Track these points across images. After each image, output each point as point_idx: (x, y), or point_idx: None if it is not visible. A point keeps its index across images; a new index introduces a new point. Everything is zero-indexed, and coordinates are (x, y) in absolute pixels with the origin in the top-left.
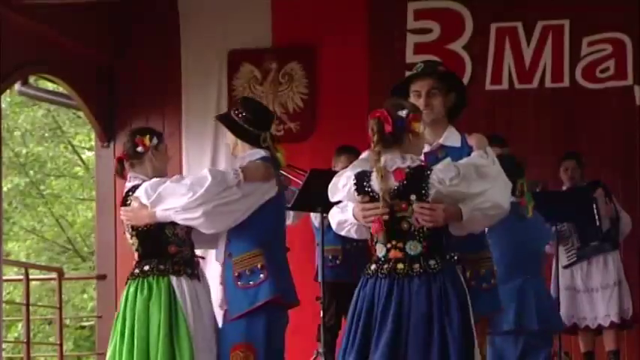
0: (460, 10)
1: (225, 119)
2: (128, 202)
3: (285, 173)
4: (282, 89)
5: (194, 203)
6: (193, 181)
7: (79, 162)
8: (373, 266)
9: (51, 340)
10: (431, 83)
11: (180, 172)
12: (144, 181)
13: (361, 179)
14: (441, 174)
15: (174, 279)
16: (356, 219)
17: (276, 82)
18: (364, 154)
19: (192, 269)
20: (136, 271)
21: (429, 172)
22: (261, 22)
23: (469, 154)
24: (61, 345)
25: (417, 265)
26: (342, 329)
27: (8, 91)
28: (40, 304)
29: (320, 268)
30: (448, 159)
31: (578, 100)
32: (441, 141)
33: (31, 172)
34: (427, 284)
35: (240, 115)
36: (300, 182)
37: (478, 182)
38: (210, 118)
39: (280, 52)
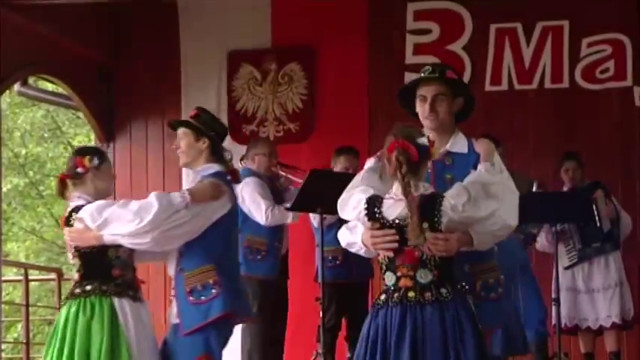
0: (460, 10)
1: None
2: (71, 223)
3: (284, 174)
4: (282, 90)
5: (141, 230)
6: (140, 207)
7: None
8: (383, 296)
9: None
10: (438, 89)
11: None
12: (87, 201)
13: (372, 205)
14: (453, 200)
15: (116, 300)
16: (364, 244)
17: (275, 82)
18: (370, 163)
19: (134, 292)
20: (77, 290)
21: (441, 199)
22: (261, 23)
23: (477, 161)
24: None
25: (428, 294)
26: (341, 330)
27: (8, 91)
28: (39, 304)
29: (320, 269)
30: (458, 184)
31: (578, 100)
32: (447, 147)
33: (31, 173)
34: (440, 311)
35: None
36: (300, 182)
37: (487, 203)
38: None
39: (280, 52)
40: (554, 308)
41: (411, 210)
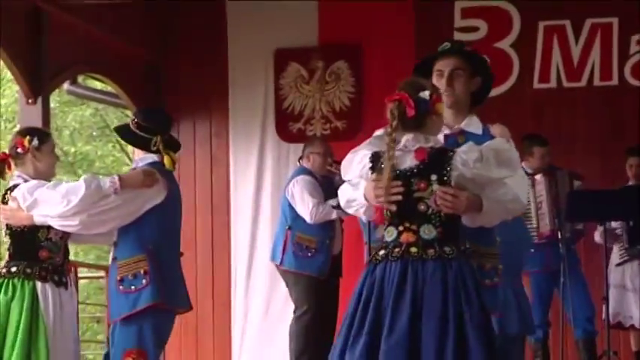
0: (508, 8)
1: (119, 128)
2: (6, 200)
3: (338, 172)
4: (329, 88)
5: (69, 212)
6: (68, 190)
7: (127, 160)
8: (382, 251)
9: (99, 337)
10: (455, 63)
11: (228, 172)
12: (25, 181)
13: (377, 158)
14: (465, 156)
15: (39, 284)
16: (366, 199)
17: (322, 80)
18: (379, 132)
19: (60, 276)
20: (3, 270)
21: (452, 154)
22: (308, 21)
23: None
24: (109, 342)
25: (431, 250)
26: None
27: (57, 90)
28: (88, 302)
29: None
30: (471, 142)
31: (627, 98)
32: (462, 125)
33: (80, 171)
34: (442, 269)
35: (133, 122)
36: None
37: (500, 168)
38: (257, 118)
39: (327, 50)
40: (604, 306)
41: (385, 166)
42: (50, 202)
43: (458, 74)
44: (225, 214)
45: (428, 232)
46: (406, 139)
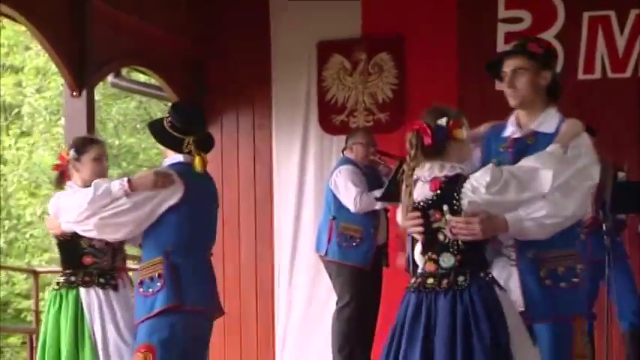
0: None
1: (152, 125)
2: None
3: (383, 162)
4: (372, 80)
5: (82, 216)
6: (81, 195)
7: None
8: (413, 279)
9: None
10: (516, 62)
11: (271, 164)
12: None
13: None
14: (476, 182)
15: (82, 291)
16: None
17: (365, 72)
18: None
19: (107, 279)
20: (55, 282)
21: (463, 180)
22: (351, 13)
23: None
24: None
25: (445, 281)
26: None
27: (101, 83)
28: None
29: (410, 259)
30: (490, 164)
31: None
32: (533, 127)
33: (124, 164)
34: (452, 301)
35: (167, 120)
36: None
37: (522, 190)
38: (300, 110)
39: (370, 42)
40: None
41: (403, 199)
42: (68, 209)
43: (520, 73)
44: (268, 205)
45: (447, 260)
46: (425, 168)
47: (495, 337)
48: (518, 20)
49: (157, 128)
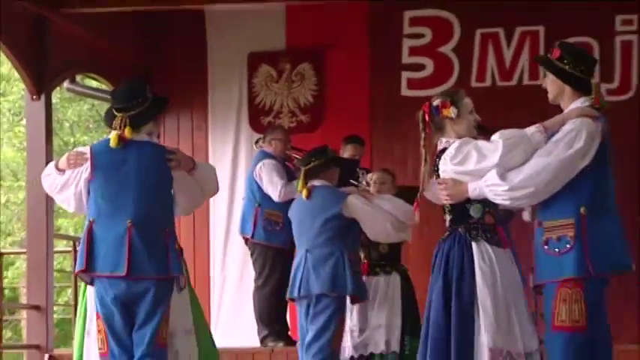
0: (449, 17)
1: (106, 113)
2: None
3: (297, 156)
4: (295, 86)
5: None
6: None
7: None
8: None
9: None
10: (544, 70)
11: (207, 159)
12: None
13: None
14: (446, 155)
15: None
16: None
17: (289, 80)
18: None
19: None
20: None
21: (442, 154)
22: (277, 29)
23: None
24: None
25: (446, 233)
26: None
27: (58, 88)
28: None
29: None
30: (463, 139)
31: None
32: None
33: None
34: (437, 250)
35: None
36: None
37: (486, 158)
38: (233, 112)
39: (293, 54)
40: (530, 275)
41: (424, 169)
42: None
43: (546, 77)
44: None
45: (446, 218)
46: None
47: (458, 290)
48: (421, 35)
49: (107, 110)
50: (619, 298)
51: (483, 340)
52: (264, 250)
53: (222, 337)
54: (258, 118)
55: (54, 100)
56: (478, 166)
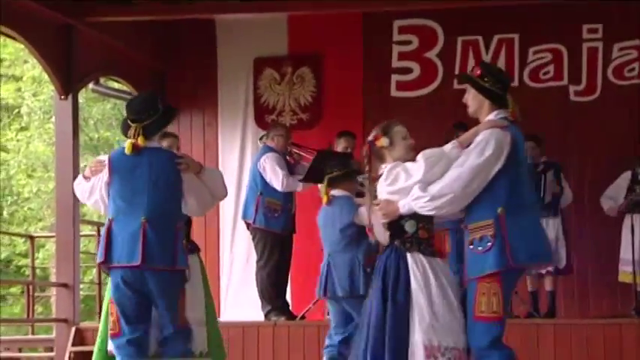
0: (434, 26)
1: (122, 123)
2: None
3: (297, 151)
4: (296, 88)
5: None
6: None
7: None
8: None
9: None
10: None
11: (217, 153)
12: None
13: None
14: (381, 178)
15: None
16: None
17: (290, 82)
18: None
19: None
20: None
21: (381, 177)
22: (279, 37)
23: None
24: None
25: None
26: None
27: (84, 88)
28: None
29: None
30: (395, 162)
31: (526, 96)
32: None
33: (102, 153)
34: (379, 263)
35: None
36: (309, 158)
37: (407, 177)
38: (240, 111)
39: (294, 59)
40: None
41: (369, 190)
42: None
43: (467, 91)
44: None
45: (386, 235)
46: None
47: (394, 293)
48: (408, 42)
49: (123, 120)
50: None
51: (417, 338)
52: (264, 235)
53: (231, 313)
54: (263, 116)
55: (80, 100)
56: (406, 184)
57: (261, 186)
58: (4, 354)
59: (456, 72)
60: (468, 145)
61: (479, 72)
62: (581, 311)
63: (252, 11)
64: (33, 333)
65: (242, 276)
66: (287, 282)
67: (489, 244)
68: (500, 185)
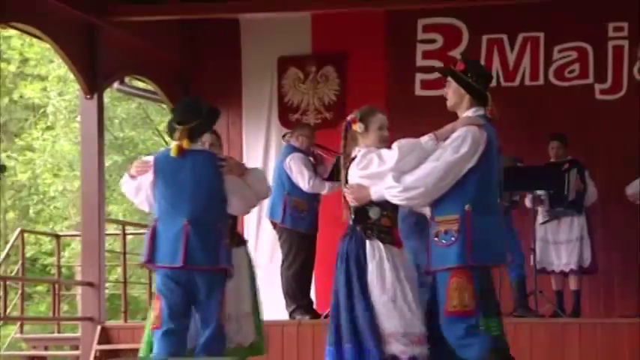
0: (459, 24)
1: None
2: None
3: (320, 152)
4: (320, 87)
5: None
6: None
7: (163, 143)
8: None
9: (142, 280)
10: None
11: (241, 151)
12: None
13: None
14: (355, 161)
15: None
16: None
17: (315, 81)
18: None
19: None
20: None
21: (353, 160)
22: (303, 35)
23: None
24: (150, 284)
25: (348, 232)
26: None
27: (109, 88)
28: (134, 252)
29: None
30: (370, 148)
31: (551, 94)
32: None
33: (127, 152)
34: (345, 244)
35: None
36: (331, 159)
37: (379, 164)
38: (264, 110)
39: (318, 58)
40: (532, 256)
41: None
42: None
43: (447, 85)
44: None
45: (350, 218)
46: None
47: (347, 276)
48: (433, 41)
49: (168, 123)
50: None
51: (379, 324)
52: (291, 235)
53: None
54: (287, 115)
55: (105, 99)
56: (378, 170)
57: (288, 186)
58: (31, 352)
59: None
60: (445, 140)
61: (462, 66)
62: (607, 310)
63: (276, 10)
64: (59, 331)
65: (266, 275)
66: (311, 281)
67: (453, 238)
68: (470, 182)
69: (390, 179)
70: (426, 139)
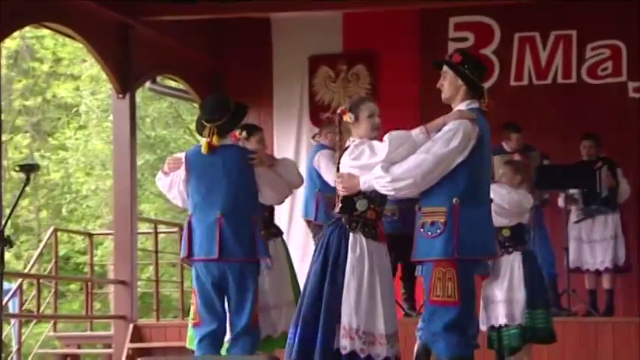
0: (490, 23)
1: (196, 122)
2: None
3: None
4: (351, 86)
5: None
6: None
7: (194, 142)
8: None
9: (174, 278)
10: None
11: (272, 151)
12: None
13: None
14: (347, 151)
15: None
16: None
17: (346, 80)
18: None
19: (268, 229)
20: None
21: (345, 151)
22: (335, 34)
23: None
24: (182, 282)
25: (333, 220)
26: (397, 272)
27: (141, 87)
28: (165, 251)
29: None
30: (363, 139)
31: (583, 92)
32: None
33: (158, 150)
34: (327, 231)
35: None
36: None
37: (376, 154)
38: (295, 109)
39: (349, 56)
40: (565, 255)
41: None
42: None
43: (443, 77)
44: None
45: (337, 206)
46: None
47: (334, 273)
48: (464, 39)
49: (197, 120)
50: None
51: (343, 318)
52: None
53: None
54: (318, 113)
55: (137, 99)
56: (369, 161)
57: (319, 183)
58: (65, 350)
59: (512, 69)
60: (436, 132)
61: (459, 58)
62: None
63: (307, 9)
64: (91, 329)
65: (298, 274)
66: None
67: (439, 230)
68: (460, 175)
69: (379, 169)
70: (416, 132)
